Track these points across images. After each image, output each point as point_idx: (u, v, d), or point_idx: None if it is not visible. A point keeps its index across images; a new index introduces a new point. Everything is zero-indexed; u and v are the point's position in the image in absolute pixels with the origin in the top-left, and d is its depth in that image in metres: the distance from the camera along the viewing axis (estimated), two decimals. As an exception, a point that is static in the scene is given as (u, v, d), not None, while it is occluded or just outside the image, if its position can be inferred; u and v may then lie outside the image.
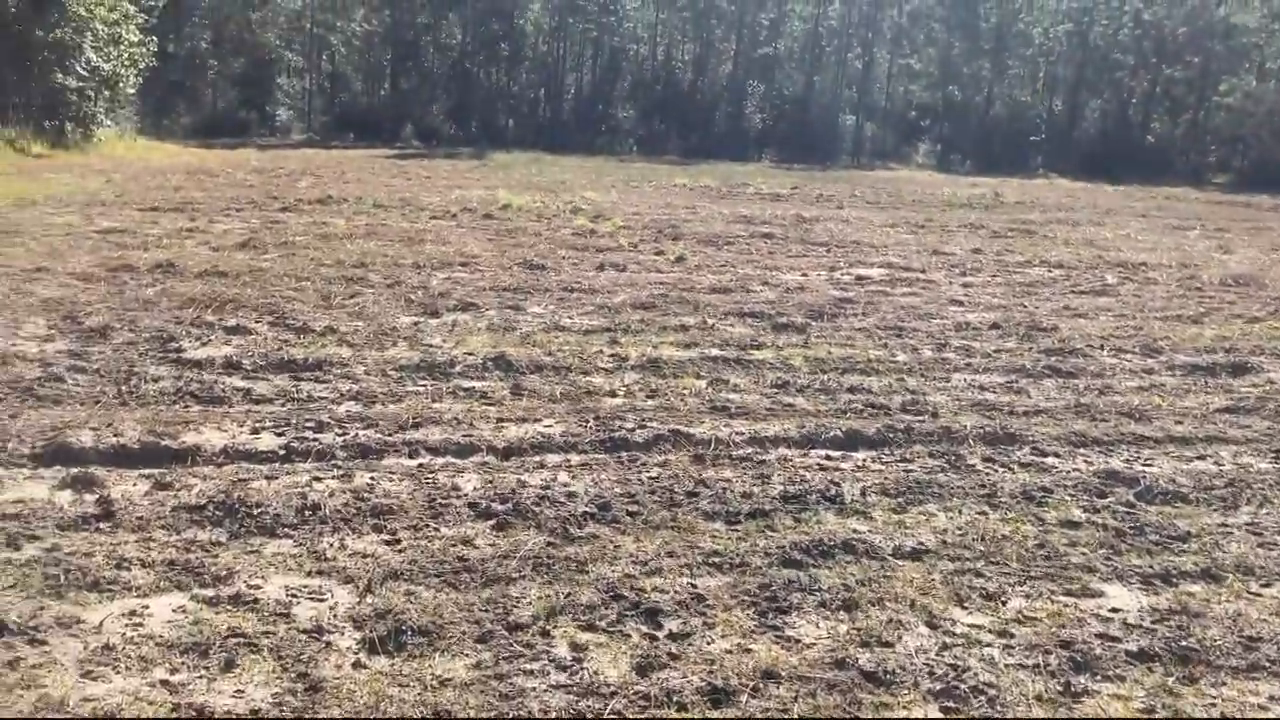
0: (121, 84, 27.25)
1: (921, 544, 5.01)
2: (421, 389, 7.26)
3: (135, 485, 5.33)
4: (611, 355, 8.36)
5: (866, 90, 55.32)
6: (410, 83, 53.64)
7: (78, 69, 25.29)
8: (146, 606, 4.09)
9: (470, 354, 8.11)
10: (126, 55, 27.45)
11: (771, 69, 53.97)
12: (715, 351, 8.67)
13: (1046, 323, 10.45)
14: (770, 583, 4.52)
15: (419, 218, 16.44)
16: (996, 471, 6.19)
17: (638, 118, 53.42)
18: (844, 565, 4.74)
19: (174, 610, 4.08)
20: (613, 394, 7.37)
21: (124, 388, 6.90)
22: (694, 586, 4.46)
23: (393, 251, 12.80)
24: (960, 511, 5.49)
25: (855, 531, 5.13)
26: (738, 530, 5.12)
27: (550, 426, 6.57)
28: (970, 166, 50.66)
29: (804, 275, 12.79)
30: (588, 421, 6.65)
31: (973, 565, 4.82)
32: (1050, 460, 6.43)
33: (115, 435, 5.91)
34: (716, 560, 4.74)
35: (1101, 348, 9.45)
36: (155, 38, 29.88)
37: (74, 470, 5.41)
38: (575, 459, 6.04)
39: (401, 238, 13.97)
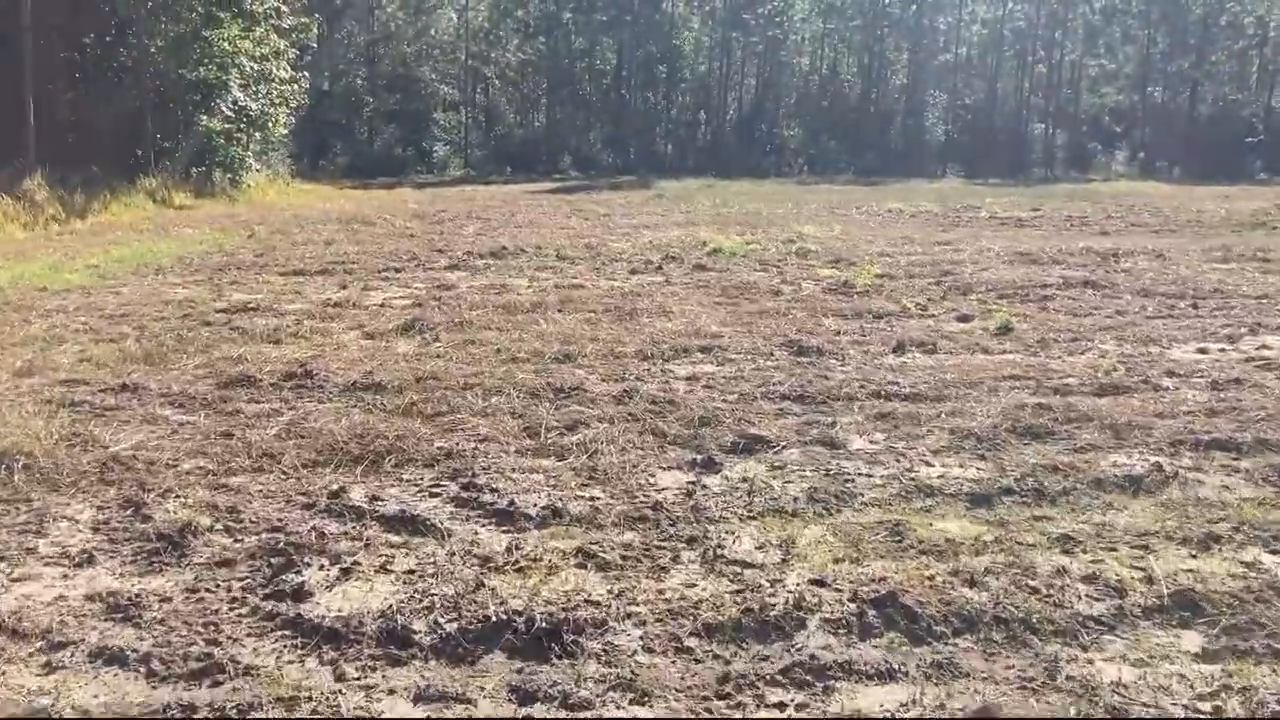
0: (271, 124, 24.64)
1: None
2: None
3: None
4: (1091, 576, 4.38)
5: (1055, 95, 49.91)
6: (565, 111, 50.80)
7: (224, 109, 22.70)
8: None
9: (821, 584, 4.27)
10: (276, 93, 24.86)
11: (949, 78, 49.16)
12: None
13: None
14: None
15: (616, 273, 12.81)
16: None
17: (805, 136, 49.28)
18: None
19: None
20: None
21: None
22: None
23: (603, 332, 9.13)
24: None
25: None
26: None
27: None
28: (1179, 174, 44.90)
29: (1202, 352, 8.59)
30: None
31: None
32: None
33: None
34: None
35: None
36: (307, 74, 27.32)
37: None
38: None
39: (606, 307, 10.31)
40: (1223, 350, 8.65)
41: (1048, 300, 10.73)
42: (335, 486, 5.34)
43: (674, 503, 5.19)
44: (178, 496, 5.20)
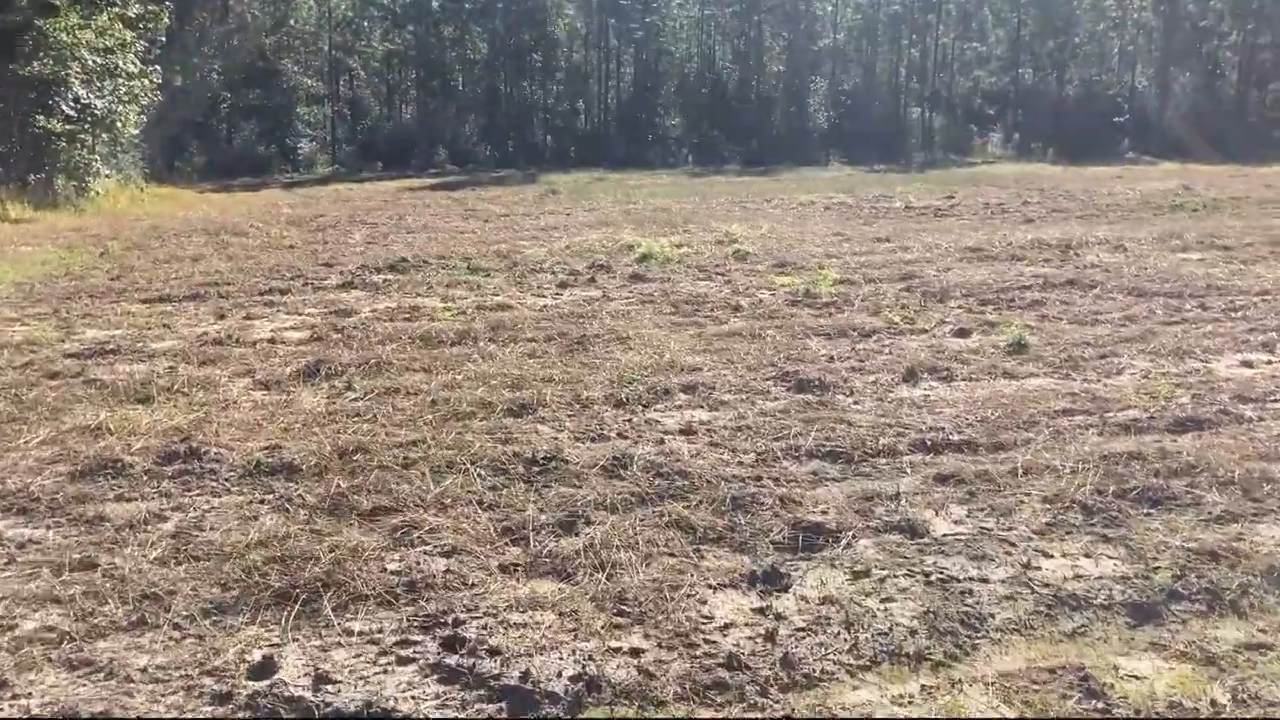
0: (120, 124, 22.03)
1: None
2: None
3: None
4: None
5: (930, 79, 49.82)
6: (437, 103, 48.47)
7: (64, 108, 20.08)
8: None
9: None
10: (124, 90, 22.25)
11: (826, 64, 48.54)
12: None
13: None
14: None
15: (543, 286, 11.17)
16: None
17: (686, 125, 48.05)
18: None
19: None
20: None
21: None
22: None
23: (556, 369, 7.52)
24: None
25: None
26: None
27: None
28: (1053, 155, 45.29)
29: (1247, 366, 7.45)
30: None
31: None
32: None
33: None
34: None
35: None
36: (158, 68, 24.69)
37: None
38: None
39: (548, 334, 8.68)
40: (1269, 362, 7.54)
41: (1038, 306, 9.53)
42: (258, 657, 3.63)
43: (752, 653, 3.66)
44: (14, 697, 3.42)
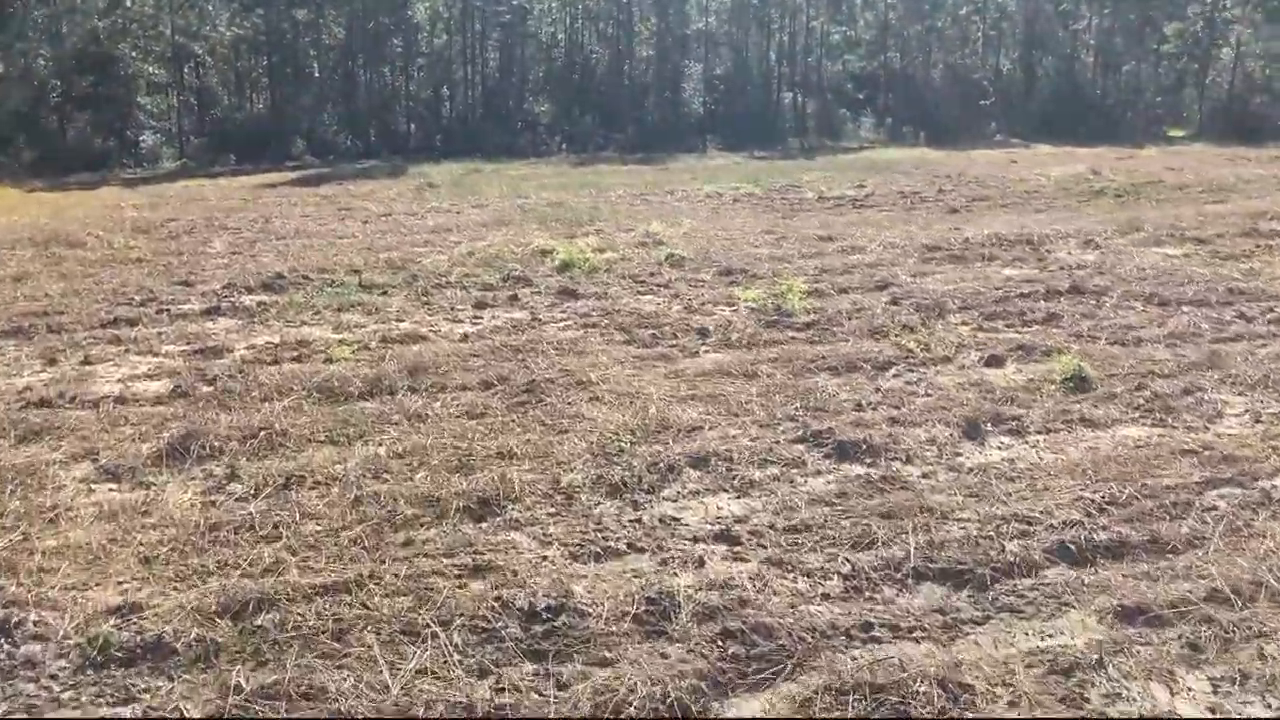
0: (-74, 116, 18.84)
1: None
2: None
3: None
4: None
5: (799, 63, 48.91)
6: (291, 91, 45.12)
7: None
8: None
9: None
10: (-70, 76, 19.07)
11: (699, 49, 47.08)
12: None
13: None
14: None
15: (456, 306, 9.18)
16: None
17: (557, 112, 45.94)
18: None
19: None
20: None
21: None
22: None
23: (511, 435, 5.62)
24: None
25: None
26: None
27: None
28: (925, 138, 44.96)
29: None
30: None
31: None
32: None
33: None
34: None
35: None
36: (-29, 51, 21.43)
37: None
38: None
39: (484, 378, 6.73)
40: None
41: (1055, 321, 8.05)
42: None
43: None
44: None
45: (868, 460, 5.19)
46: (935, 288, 9.33)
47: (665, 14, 46.34)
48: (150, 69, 40.01)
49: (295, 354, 7.59)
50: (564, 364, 7.00)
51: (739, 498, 4.80)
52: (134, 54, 39.06)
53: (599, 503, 4.73)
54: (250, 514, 4.64)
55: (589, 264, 10.84)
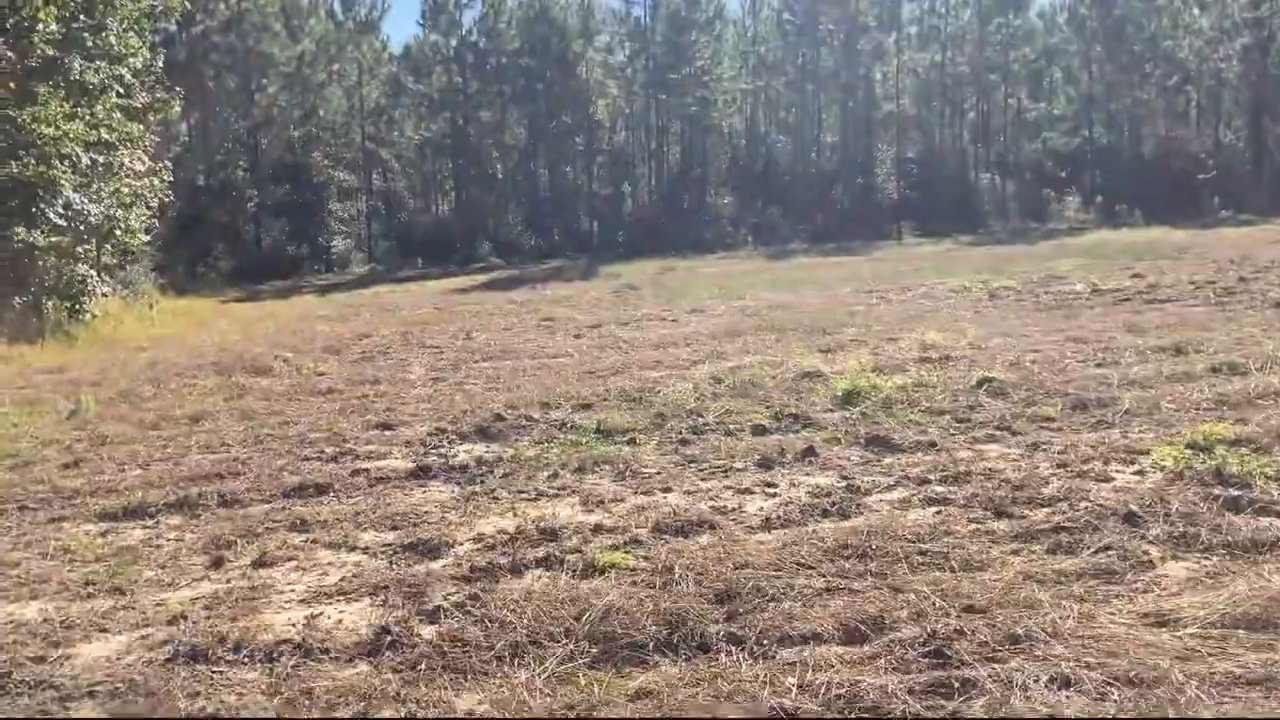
0: (121, 231, 18.08)
1: None
2: None
3: None
4: None
5: (994, 143, 45.83)
6: (475, 193, 44.81)
7: (50, 216, 16.14)
8: None
9: None
10: (128, 191, 18.36)
11: (888, 132, 44.64)
12: None
13: None
14: None
15: (733, 468, 6.80)
16: None
17: (739, 204, 44.09)
18: None
19: None
20: None
21: None
22: None
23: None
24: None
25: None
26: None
27: None
28: (1141, 216, 40.95)
29: None
30: None
31: None
32: None
33: None
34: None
35: None
36: (169, 164, 20.86)
37: None
38: None
39: (841, 619, 4.25)
40: None
41: None
42: None
43: None
44: None
45: None
46: None
47: (851, 97, 44.20)
48: (340, 175, 40.23)
49: (542, 554, 5.31)
50: (951, 585, 4.47)
51: None
52: (326, 161, 39.33)
53: None
54: None
55: (879, 393, 8.34)
